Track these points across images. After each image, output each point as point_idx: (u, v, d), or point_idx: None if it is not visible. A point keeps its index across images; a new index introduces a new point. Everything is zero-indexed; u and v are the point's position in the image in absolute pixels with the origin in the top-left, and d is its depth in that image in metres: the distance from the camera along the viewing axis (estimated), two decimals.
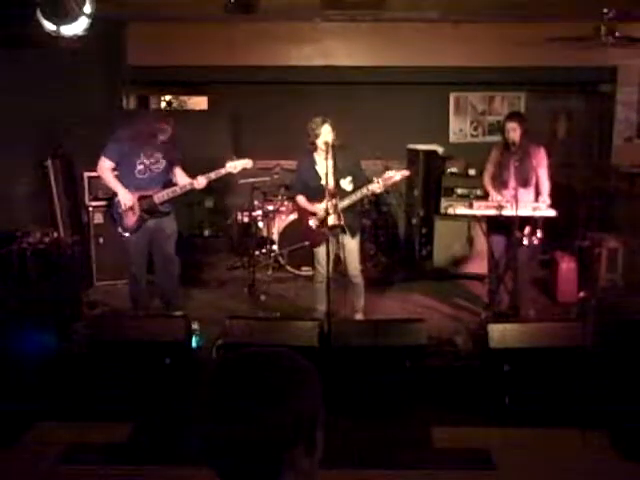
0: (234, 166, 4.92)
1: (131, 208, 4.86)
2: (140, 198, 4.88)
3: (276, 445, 1.06)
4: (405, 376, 3.84)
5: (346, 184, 4.72)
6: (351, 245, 4.87)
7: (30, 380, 3.64)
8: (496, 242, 5.20)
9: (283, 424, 1.06)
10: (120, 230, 4.93)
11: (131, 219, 4.89)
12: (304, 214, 4.98)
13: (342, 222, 4.65)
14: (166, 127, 4.88)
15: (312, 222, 4.87)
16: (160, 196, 4.91)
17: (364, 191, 4.68)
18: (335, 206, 4.63)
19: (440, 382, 3.97)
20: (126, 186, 4.88)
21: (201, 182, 4.93)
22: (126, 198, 4.84)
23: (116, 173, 4.94)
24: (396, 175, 4.70)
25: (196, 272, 6.73)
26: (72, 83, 6.07)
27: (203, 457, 1.08)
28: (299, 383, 1.11)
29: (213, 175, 4.91)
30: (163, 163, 4.97)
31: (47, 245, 5.22)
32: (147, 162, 4.91)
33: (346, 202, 4.69)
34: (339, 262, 4.98)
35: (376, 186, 4.64)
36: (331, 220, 4.69)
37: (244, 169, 5.04)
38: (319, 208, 4.77)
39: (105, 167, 4.89)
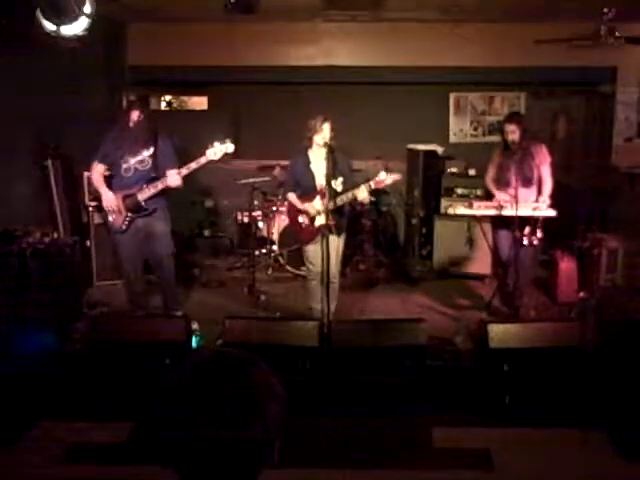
0: (214, 152, 4.81)
1: (116, 208, 4.84)
2: (125, 197, 4.86)
3: (260, 449, 1.08)
4: (405, 376, 3.84)
5: (337, 185, 4.71)
6: (336, 244, 4.79)
7: (30, 380, 3.64)
8: (501, 240, 5.21)
9: (266, 427, 1.07)
10: (112, 231, 4.93)
11: (118, 219, 4.87)
12: (294, 212, 4.96)
13: (330, 222, 4.61)
14: (134, 113, 4.84)
15: (301, 219, 4.86)
16: (143, 193, 4.86)
17: (349, 195, 4.63)
18: (325, 206, 4.59)
19: (440, 382, 3.97)
20: (115, 186, 4.88)
21: (174, 178, 4.80)
22: (107, 198, 4.84)
23: (108, 173, 4.96)
24: (387, 179, 4.60)
25: (196, 272, 6.74)
26: (72, 83, 6.07)
27: (176, 463, 1.08)
28: (270, 384, 1.12)
29: (194, 164, 4.80)
30: (149, 162, 4.91)
31: (47, 245, 5.21)
32: (132, 161, 4.88)
33: (332, 204, 4.62)
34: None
35: (362, 194, 4.58)
36: (320, 220, 4.69)
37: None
38: (309, 207, 4.77)
39: (96, 171, 4.94)
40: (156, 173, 4.93)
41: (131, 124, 4.84)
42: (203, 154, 4.81)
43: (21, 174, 5.87)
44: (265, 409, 1.07)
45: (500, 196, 5.15)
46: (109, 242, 5.62)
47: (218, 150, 4.81)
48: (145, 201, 4.88)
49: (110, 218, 4.89)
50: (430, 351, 4.17)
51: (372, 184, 4.59)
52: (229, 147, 4.86)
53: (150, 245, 5.01)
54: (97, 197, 5.16)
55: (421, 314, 5.00)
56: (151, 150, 4.92)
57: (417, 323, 4.05)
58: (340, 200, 4.65)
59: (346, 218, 5.05)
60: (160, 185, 4.85)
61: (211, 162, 4.86)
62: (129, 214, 4.88)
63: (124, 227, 4.89)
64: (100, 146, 4.94)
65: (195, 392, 1.07)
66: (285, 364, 3.57)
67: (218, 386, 1.07)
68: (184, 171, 4.83)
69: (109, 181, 4.97)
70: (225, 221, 7.78)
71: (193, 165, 4.81)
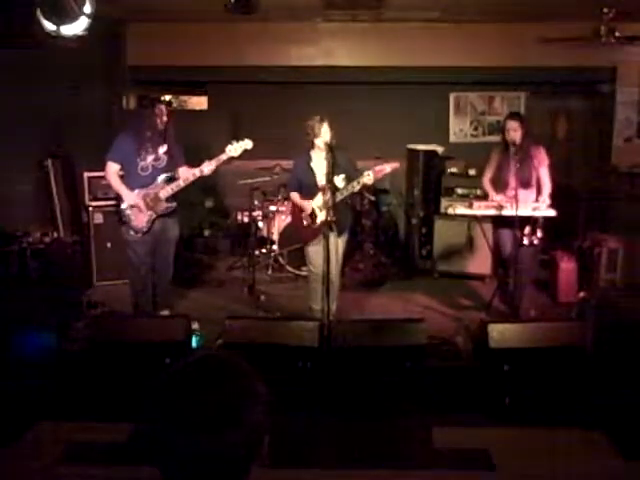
0: (234, 149, 4.82)
1: (138, 208, 4.82)
2: (145, 196, 4.85)
3: (240, 453, 1.09)
4: (405, 376, 3.84)
5: (339, 181, 4.70)
6: (336, 244, 4.77)
7: (30, 380, 3.64)
8: (503, 238, 5.21)
9: (246, 432, 1.09)
10: (132, 232, 4.84)
11: (140, 219, 4.83)
12: (298, 212, 4.97)
13: (331, 219, 4.62)
14: (164, 112, 4.85)
15: (304, 218, 4.87)
16: (165, 191, 4.86)
17: (355, 185, 4.65)
18: (327, 203, 4.59)
19: (440, 382, 3.97)
20: (131, 185, 4.84)
21: (209, 168, 4.82)
22: (130, 198, 4.81)
23: (121, 173, 4.91)
24: (386, 167, 4.66)
25: (196, 272, 6.74)
26: (72, 83, 6.07)
27: (159, 466, 1.09)
28: (250, 388, 1.14)
29: (214, 162, 4.82)
30: (165, 159, 4.92)
31: (47, 245, 5.22)
32: (149, 159, 4.87)
33: (338, 197, 4.63)
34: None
35: (367, 178, 4.62)
36: (321, 217, 4.68)
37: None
38: (310, 204, 4.78)
39: (112, 171, 4.86)
40: (170, 171, 4.94)
41: (159, 123, 4.81)
42: (222, 151, 4.82)
43: (21, 174, 5.88)
44: (244, 414, 1.09)
45: (497, 198, 5.15)
46: (115, 241, 5.61)
47: (238, 147, 4.82)
48: (166, 199, 4.88)
49: (132, 219, 4.83)
50: (430, 351, 4.17)
51: (371, 174, 4.61)
52: (248, 144, 4.86)
53: (162, 247, 5.00)
54: (106, 195, 5.13)
55: (421, 314, 5.00)
56: (165, 147, 4.92)
57: (417, 323, 4.05)
58: (350, 188, 4.66)
59: (349, 218, 5.06)
60: (182, 183, 4.85)
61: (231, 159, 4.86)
62: (152, 214, 4.86)
63: (146, 227, 4.86)
64: (114, 144, 4.88)
65: (175, 399, 1.09)
66: (285, 364, 3.58)
67: (196, 393, 1.09)
68: (205, 169, 4.83)
69: (122, 180, 4.91)
70: (225, 221, 7.78)
71: (214, 162, 4.82)
